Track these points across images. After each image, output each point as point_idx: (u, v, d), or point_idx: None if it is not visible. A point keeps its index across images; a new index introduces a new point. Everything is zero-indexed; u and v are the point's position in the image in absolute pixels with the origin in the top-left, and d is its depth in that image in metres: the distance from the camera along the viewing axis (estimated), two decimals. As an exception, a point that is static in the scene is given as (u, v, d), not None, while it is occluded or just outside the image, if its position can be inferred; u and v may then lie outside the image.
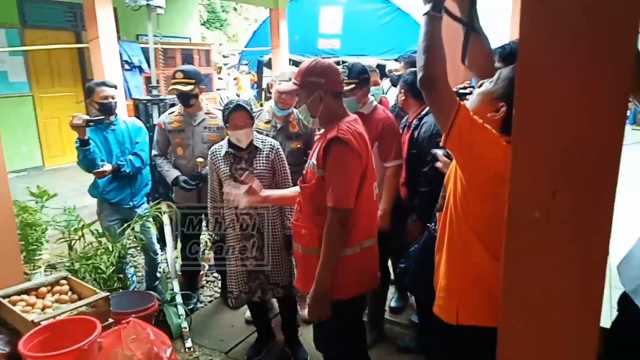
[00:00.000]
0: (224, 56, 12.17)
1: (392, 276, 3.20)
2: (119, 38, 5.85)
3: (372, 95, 3.02)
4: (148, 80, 5.30)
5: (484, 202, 1.48)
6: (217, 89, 9.15)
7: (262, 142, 2.66)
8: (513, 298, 1.14)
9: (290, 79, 2.95)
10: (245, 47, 10.85)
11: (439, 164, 1.91)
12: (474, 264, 1.53)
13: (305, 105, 1.96)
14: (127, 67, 6.36)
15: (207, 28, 17.70)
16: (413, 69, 2.99)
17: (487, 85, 1.53)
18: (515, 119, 1.08)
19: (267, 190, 2.31)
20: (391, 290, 3.37)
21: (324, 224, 1.86)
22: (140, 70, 6.59)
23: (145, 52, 6.62)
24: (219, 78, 9.34)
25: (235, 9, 19.62)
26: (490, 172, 1.43)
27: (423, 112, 2.66)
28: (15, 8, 6.94)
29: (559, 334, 1.08)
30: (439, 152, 1.91)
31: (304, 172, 2.05)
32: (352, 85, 2.64)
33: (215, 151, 2.69)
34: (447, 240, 1.61)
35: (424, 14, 1.44)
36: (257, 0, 8.78)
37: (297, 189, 2.17)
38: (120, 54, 6.00)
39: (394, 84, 4.01)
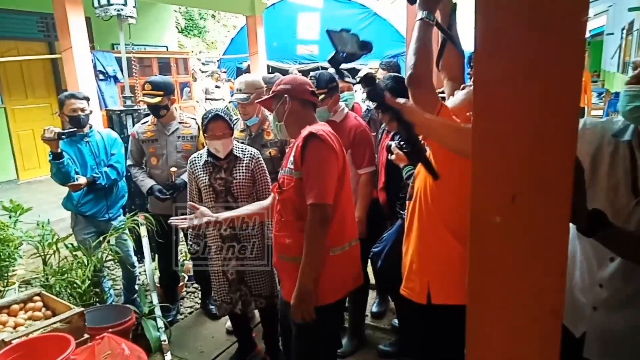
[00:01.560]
0: (202, 64, 12.07)
1: (373, 281, 3.22)
2: (93, 48, 5.79)
3: (345, 100, 3.04)
4: (123, 90, 5.26)
5: (452, 196, 1.61)
6: (211, 99, 8.95)
7: (242, 151, 2.65)
8: (478, 301, 1.16)
9: (240, 90, 3.00)
10: (223, 54, 10.81)
11: (392, 157, 2.01)
12: (443, 250, 1.67)
13: (275, 112, 2.05)
14: (101, 77, 6.28)
15: (185, 36, 17.57)
16: (391, 74, 3.03)
17: (469, 88, 1.66)
18: (473, 123, 1.10)
19: (223, 214, 2.27)
20: (372, 295, 3.38)
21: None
22: (116, 80, 6.51)
23: (120, 61, 6.55)
24: (216, 86, 9.21)
25: (213, 16, 19.53)
26: (462, 166, 1.48)
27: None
28: (-15, 19, 6.80)
29: (522, 335, 1.10)
30: (393, 144, 1.99)
31: (279, 180, 2.02)
32: (322, 95, 2.66)
33: (195, 160, 2.67)
34: (417, 227, 1.73)
35: (418, 19, 1.56)
36: (234, 7, 8.76)
37: (258, 203, 2.23)
38: (95, 64, 5.92)
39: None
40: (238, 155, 2.61)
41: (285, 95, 2.00)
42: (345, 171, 1.93)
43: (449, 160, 1.57)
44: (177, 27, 13.82)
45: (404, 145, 2.10)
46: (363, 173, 2.68)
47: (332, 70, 2.79)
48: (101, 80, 6.18)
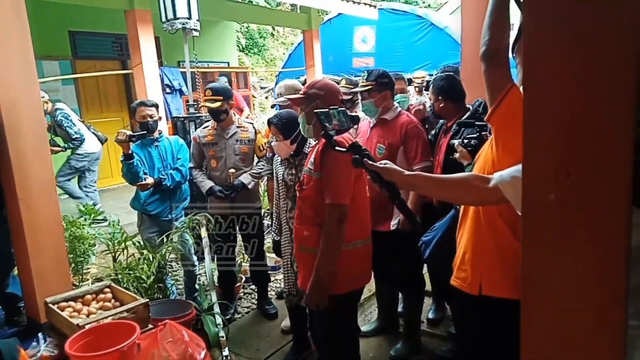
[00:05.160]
0: (260, 79, 12.51)
1: (430, 287, 3.17)
2: (161, 64, 6.17)
3: (399, 102, 3.06)
4: (188, 102, 5.57)
5: None
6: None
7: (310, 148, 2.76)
8: (532, 281, 1.13)
9: (281, 94, 3.16)
10: (282, 68, 11.13)
11: (456, 155, 1.98)
12: (498, 242, 1.61)
13: (303, 113, 2.19)
14: (168, 90, 6.67)
15: (246, 54, 18.28)
16: (445, 73, 3.02)
17: None
18: (525, 99, 1.08)
19: None
20: (428, 301, 3.32)
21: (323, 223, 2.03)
22: (181, 93, 6.90)
23: (185, 76, 6.93)
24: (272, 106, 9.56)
25: (272, 35, 20.18)
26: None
27: (464, 117, 2.65)
28: (68, 41, 7.44)
29: (582, 319, 1.05)
30: (456, 142, 1.97)
31: (301, 179, 2.26)
32: (369, 87, 2.70)
33: (277, 156, 2.85)
34: (472, 217, 1.69)
35: None
36: (291, 23, 9.05)
37: None
38: (162, 78, 6.30)
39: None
40: (307, 152, 2.70)
41: (317, 100, 2.13)
42: (360, 176, 2.08)
43: (508, 149, 1.53)
44: (238, 46, 14.39)
45: (468, 143, 2.11)
46: (417, 168, 2.67)
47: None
48: (167, 93, 6.56)
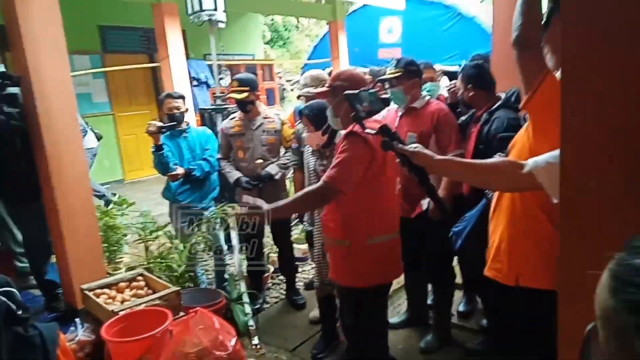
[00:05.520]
0: (285, 71, 12.54)
1: (461, 280, 3.13)
2: (187, 57, 6.24)
3: (429, 91, 3.01)
4: (215, 94, 5.63)
5: None
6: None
7: None
8: (570, 272, 1.10)
9: (306, 84, 3.19)
10: (307, 59, 11.10)
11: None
12: (536, 233, 1.57)
13: (331, 106, 2.17)
14: (195, 83, 6.74)
15: (271, 47, 18.33)
16: (476, 61, 2.95)
17: None
18: (563, 87, 1.05)
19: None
20: (458, 294, 3.28)
21: (346, 215, 2.06)
22: (207, 86, 6.97)
23: (211, 69, 6.99)
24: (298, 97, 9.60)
25: (297, 27, 20.15)
26: None
27: (494, 107, 2.59)
28: (98, 36, 7.60)
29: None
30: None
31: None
32: (398, 74, 2.67)
33: (308, 146, 2.87)
34: (508, 206, 1.64)
35: None
36: (316, 13, 9.00)
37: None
38: (189, 71, 6.38)
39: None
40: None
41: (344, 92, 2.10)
42: (387, 169, 2.05)
43: (547, 136, 1.49)
44: (263, 38, 14.42)
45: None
46: (451, 156, 2.63)
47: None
48: (194, 86, 6.64)
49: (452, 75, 4.78)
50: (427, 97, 2.80)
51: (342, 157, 1.97)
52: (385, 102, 1.77)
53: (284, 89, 10.49)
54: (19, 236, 3.47)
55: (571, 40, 0.98)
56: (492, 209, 1.75)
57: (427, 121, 2.66)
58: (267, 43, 17.10)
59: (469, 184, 2.69)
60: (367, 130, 1.70)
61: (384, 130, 1.58)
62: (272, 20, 18.10)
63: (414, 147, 1.50)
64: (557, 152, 1.33)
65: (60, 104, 2.80)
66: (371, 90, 1.70)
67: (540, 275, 1.56)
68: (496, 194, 1.74)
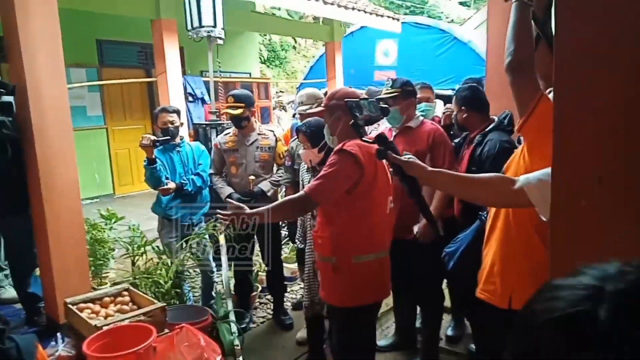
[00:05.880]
0: (280, 91, 12.67)
1: (448, 303, 3.10)
2: (184, 73, 6.28)
3: (422, 111, 3.04)
4: (211, 110, 5.66)
5: None
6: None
7: None
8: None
9: (302, 102, 3.20)
10: (304, 79, 11.20)
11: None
12: (530, 254, 1.56)
13: (327, 125, 2.19)
14: (190, 99, 6.77)
15: (267, 66, 18.50)
16: (469, 84, 2.99)
17: None
18: (555, 106, 1.05)
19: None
20: (447, 319, 3.25)
21: (335, 232, 2.05)
22: (203, 102, 7.00)
23: (207, 85, 7.04)
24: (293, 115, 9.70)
25: (294, 47, 20.38)
26: None
27: (487, 129, 2.62)
28: (95, 49, 7.63)
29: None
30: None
31: None
32: (395, 94, 2.69)
33: (304, 163, 2.89)
34: (502, 228, 1.65)
35: (514, 1, 1.52)
36: (314, 34, 9.13)
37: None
38: (185, 87, 6.41)
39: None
40: None
41: (339, 111, 2.09)
42: (377, 187, 2.04)
43: (543, 158, 1.51)
44: (260, 58, 14.55)
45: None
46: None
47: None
48: (190, 102, 6.66)
49: (446, 99, 4.84)
50: (421, 118, 2.82)
51: (328, 171, 1.98)
52: (385, 112, 1.79)
53: (283, 107, 10.58)
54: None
55: (563, 51, 0.99)
56: (487, 230, 1.74)
57: (423, 140, 2.67)
58: (263, 62, 17.25)
59: (459, 206, 2.69)
60: (364, 139, 1.71)
61: (380, 138, 1.60)
62: (270, 39, 18.31)
63: (408, 157, 1.51)
64: (549, 169, 1.33)
65: (54, 115, 2.80)
66: (370, 99, 1.72)
67: None
68: (491, 215, 1.73)
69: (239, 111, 3.24)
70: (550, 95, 1.62)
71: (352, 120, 1.70)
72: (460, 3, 21.83)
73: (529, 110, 1.49)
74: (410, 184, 1.51)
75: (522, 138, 1.67)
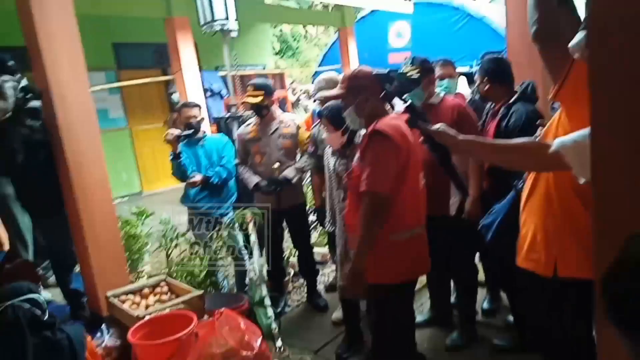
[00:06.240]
0: (293, 81, 12.74)
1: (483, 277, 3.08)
2: (200, 69, 6.33)
3: (446, 87, 3.02)
4: (228, 105, 5.71)
5: None
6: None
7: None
8: (606, 248, 1.06)
9: (321, 87, 3.12)
10: (318, 67, 11.17)
11: None
12: (572, 220, 1.53)
13: (352, 107, 2.10)
14: (208, 94, 6.82)
15: (281, 57, 18.48)
16: (492, 56, 2.95)
17: None
18: (590, 64, 1.02)
19: None
20: (481, 292, 3.23)
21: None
22: (221, 96, 7.05)
23: (224, 79, 7.08)
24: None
25: (305, 37, 20.30)
26: None
27: (512, 100, 2.58)
28: (112, 53, 7.76)
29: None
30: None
31: (351, 169, 2.20)
32: (415, 71, 2.66)
33: (328, 148, 2.87)
34: (542, 194, 1.61)
35: None
36: (326, 21, 9.06)
37: None
38: (202, 82, 6.47)
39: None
40: (358, 143, 2.69)
41: (363, 91, 2.04)
42: (410, 165, 2.01)
43: (585, 120, 1.48)
44: (272, 49, 14.56)
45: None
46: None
47: None
48: (208, 97, 6.71)
49: (470, 77, 4.78)
50: (442, 94, 2.80)
51: (373, 159, 1.94)
52: (416, 82, 1.77)
53: (299, 99, 10.62)
54: (31, 246, 3.54)
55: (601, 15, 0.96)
56: (523, 199, 1.71)
57: (448, 116, 2.64)
58: (276, 54, 17.24)
59: (489, 180, 2.67)
60: (396, 108, 1.70)
61: (410, 108, 1.59)
62: (281, 31, 18.27)
63: (438, 126, 1.50)
64: (584, 131, 1.31)
65: (81, 118, 2.86)
66: (400, 71, 1.71)
67: (580, 263, 1.52)
68: (529, 183, 1.71)
69: (259, 99, 3.26)
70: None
71: (383, 92, 1.68)
72: (472, -22, 21.40)
73: (562, 77, 1.46)
74: (441, 153, 1.51)
75: (557, 105, 1.64)
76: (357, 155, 2.12)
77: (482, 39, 8.85)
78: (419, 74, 2.62)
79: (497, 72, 2.69)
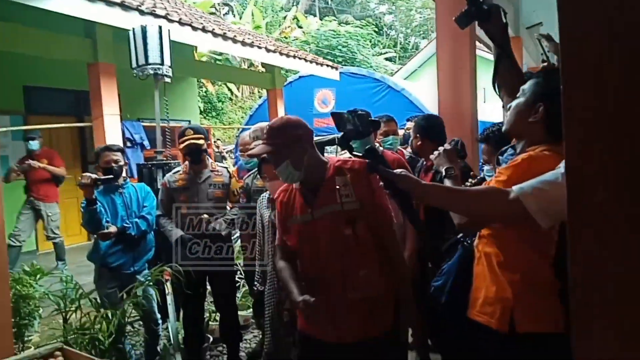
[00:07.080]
0: (217, 139, 12.81)
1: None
2: (121, 118, 6.00)
3: (391, 143, 3.07)
4: (148, 158, 5.42)
5: None
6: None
7: None
8: (583, 296, 0.98)
9: (257, 137, 3.02)
10: (245, 124, 11.19)
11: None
12: (528, 271, 1.49)
13: (287, 162, 1.82)
14: (129, 144, 6.44)
15: (205, 117, 18.31)
16: (425, 114, 3.06)
17: (519, 99, 1.58)
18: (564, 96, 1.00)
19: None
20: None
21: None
22: (142, 147, 6.68)
23: (147, 131, 6.77)
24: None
25: (230, 99, 20.43)
26: None
27: None
28: (21, 96, 7.16)
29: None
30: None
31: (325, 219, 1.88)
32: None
33: (262, 199, 2.75)
34: (492, 249, 1.56)
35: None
36: (257, 81, 9.19)
37: None
38: (123, 132, 6.13)
39: (406, 142, 4.08)
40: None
41: (300, 140, 1.82)
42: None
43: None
44: (198, 107, 14.43)
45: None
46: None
47: None
48: (128, 147, 6.33)
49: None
50: (381, 149, 2.82)
51: (383, 194, 1.77)
52: (376, 126, 1.68)
53: (223, 157, 10.55)
54: None
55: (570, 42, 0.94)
56: (476, 254, 1.66)
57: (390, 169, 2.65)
58: (200, 113, 17.07)
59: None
60: (354, 153, 1.61)
61: (370, 152, 1.53)
62: (206, 91, 18.29)
63: (400, 171, 1.44)
64: (543, 177, 1.29)
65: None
66: (355, 113, 1.63)
67: (539, 317, 1.46)
68: (479, 238, 1.65)
69: (202, 142, 3.14)
70: (515, 101, 1.62)
71: (342, 133, 1.59)
72: (387, 59, 23.36)
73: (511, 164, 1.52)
74: (402, 198, 1.44)
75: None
76: (343, 197, 1.78)
77: (400, 109, 9.41)
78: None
79: (428, 129, 2.78)
